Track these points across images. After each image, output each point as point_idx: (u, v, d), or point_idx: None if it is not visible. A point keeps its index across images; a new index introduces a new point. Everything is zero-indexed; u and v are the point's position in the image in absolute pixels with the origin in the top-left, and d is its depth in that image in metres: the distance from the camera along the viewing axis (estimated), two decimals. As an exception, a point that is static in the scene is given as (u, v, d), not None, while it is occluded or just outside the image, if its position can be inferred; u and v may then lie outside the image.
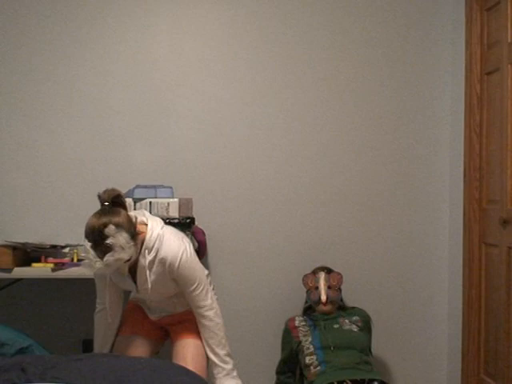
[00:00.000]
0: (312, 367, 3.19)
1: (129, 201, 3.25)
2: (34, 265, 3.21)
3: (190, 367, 2.64)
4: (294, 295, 3.71)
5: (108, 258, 2.51)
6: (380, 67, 3.74)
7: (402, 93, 3.75)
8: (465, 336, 3.51)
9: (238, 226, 3.70)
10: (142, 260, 2.67)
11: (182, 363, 2.70)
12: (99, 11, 3.65)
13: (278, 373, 3.51)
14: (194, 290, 2.72)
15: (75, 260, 3.25)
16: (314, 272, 3.49)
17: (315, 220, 3.72)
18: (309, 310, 3.50)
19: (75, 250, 3.29)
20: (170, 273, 2.69)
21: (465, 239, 3.52)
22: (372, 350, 3.47)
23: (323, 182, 3.72)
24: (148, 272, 2.68)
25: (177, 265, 2.67)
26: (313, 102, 3.73)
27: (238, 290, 3.70)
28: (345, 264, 3.71)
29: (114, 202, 2.62)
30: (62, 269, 3.18)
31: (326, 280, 3.42)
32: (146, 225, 2.71)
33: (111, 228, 2.51)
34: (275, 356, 3.69)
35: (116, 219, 2.55)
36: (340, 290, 3.45)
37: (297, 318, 3.45)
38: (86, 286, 3.50)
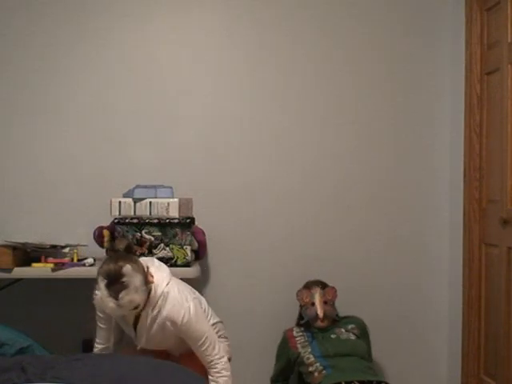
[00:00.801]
0: (316, 373, 3.18)
1: (129, 201, 3.25)
2: (34, 265, 3.21)
3: None
4: (294, 295, 3.70)
5: (123, 295, 2.53)
6: (380, 67, 3.74)
7: (401, 93, 3.74)
8: (465, 336, 3.51)
9: (238, 226, 3.70)
10: (144, 313, 2.69)
11: None
12: (101, 11, 3.65)
13: (273, 382, 3.51)
14: (200, 346, 2.72)
15: (75, 260, 3.25)
16: (308, 287, 3.46)
17: (315, 220, 3.72)
18: (304, 325, 3.46)
19: (75, 250, 3.29)
20: (174, 330, 2.71)
21: (465, 239, 3.52)
22: (372, 353, 3.47)
23: (323, 183, 3.72)
24: (147, 327, 2.70)
25: (179, 325, 2.68)
26: (313, 104, 3.72)
27: (237, 290, 3.70)
28: (345, 263, 3.71)
29: (126, 250, 2.70)
30: (61, 269, 3.18)
31: (322, 295, 3.40)
32: (153, 276, 2.72)
33: (128, 268, 2.57)
34: (274, 356, 3.69)
35: (132, 262, 2.62)
36: (334, 304, 3.45)
37: (294, 328, 3.46)
38: (85, 286, 3.49)
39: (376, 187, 3.73)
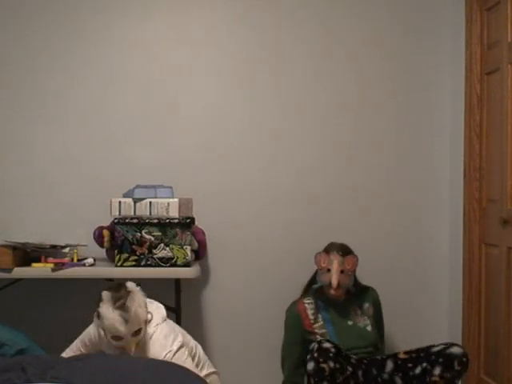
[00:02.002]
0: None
1: (129, 201, 3.25)
2: (34, 265, 3.21)
3: None
4: (294, 295, 3.70)
5: (130, 304, 2.56)
6: (379, 67, 3.73)
7: (401, 93, 3.74)
8: (465, 336, 3.51)
9: (238, 226, 3.69)
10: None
11: None
12: (100, 10, 3.65)
13: (288, 356, 3.27)
14: None
15: (75, 260, 3.25)
16: (328, 251, 3.22)
17: (316, 220, 3.72)
18: (316, 293, 3.30)
19: (75, 250, 3.29)
20: None
21: (465, 239, 3.52)
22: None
23: (323, 183, 3.72)
24: None
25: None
26: (313, 104, 3.72)
27: (237, 290, 3.70)
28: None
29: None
30: (61, 269, 3.18)
31: (340, 263, 3.17)
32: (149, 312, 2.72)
33: (131, 283, 2.64)
34: (275, 357, 3.69)
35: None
36: (354, 274, 3.25)
37: (306, 302, 3.25)
38: (85, 286, 3.50)
39: (376, 187, 3.73)
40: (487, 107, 3.39)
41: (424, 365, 2.98)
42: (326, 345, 2.92)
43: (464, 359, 2.93)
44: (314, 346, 2.93)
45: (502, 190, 3.17)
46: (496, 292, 3.23)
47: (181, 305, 3.37)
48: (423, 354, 3.01)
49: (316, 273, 3.33)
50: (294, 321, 3.24)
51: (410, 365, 3.03)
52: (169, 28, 3.68)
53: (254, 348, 3.70)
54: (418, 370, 2.99)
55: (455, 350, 2.95)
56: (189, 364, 2.65)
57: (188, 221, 3.24)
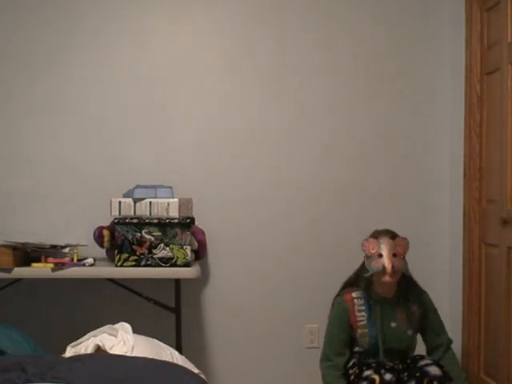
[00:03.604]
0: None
1: (129, 201, 3.25)
2: (34, 265, 3.21)
3: None
4: (294, 295, 3.71)
5: None
6: (379, 67, 3.73)
7: (401, 93, 3.74)
8: (465, 336, 3.51)
9: (238, 225, 3.69)
10: None
11: None
12: (98, 8, 3.65)
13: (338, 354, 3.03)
14: None
15: (75, 260, 3.25)
16: (376, 236, 3.01)
17: (316, 219, 3.72)
18: (364, 288, 3.05)
19: (75, 250, 3.29)
20: None
21: (465, 239, 3.52)
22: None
23: (323, 183, 3.72)
24: None
25: None
26: (313, 104, 3.72)
27: (237, 290, 3.70)
28: (348, 261, 3.70)
29: None
30: (61, 269, 3.18)
31: (391, 246, 2.95)
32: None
33: None
34: (275, 358, 3.69)
35: None
36: (404, 258, 3.02)
37: (354, 296, 3.05)
38: (85, 286, 3.50)
39: (376, 187, 3.73)
40: (487, 107, 3.39)
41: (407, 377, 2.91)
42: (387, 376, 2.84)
43: (435, 383, 2.81)
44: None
45: (502, 190, 3.17)
46: (496, 292, 3.23)
47: (181, 305, 3.37)
48: (412, 365, 2.93)
49: (362, 265, 3.07)
50: (343, 312, 3.04)
51: (404, 373, 2.96)
52: (169, 28, 3.68)
53: (254, 348, 3.70)
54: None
55: (431, 369, 2.84)
56: None
57: (188, 221, 3.24)
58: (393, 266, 2.92)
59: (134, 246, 3.20)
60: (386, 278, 2.94)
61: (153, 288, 3.39)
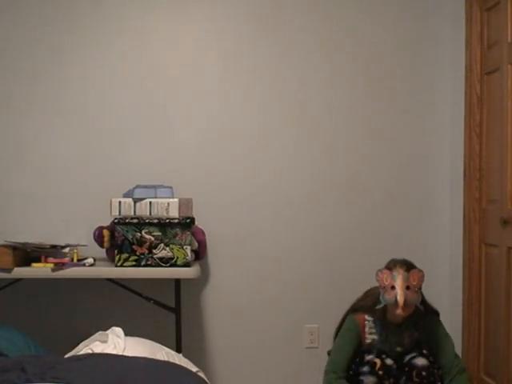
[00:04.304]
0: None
1: (129, 201, 3.25)
2: (34, 265, 3.21)
3: None
4: (294, 295, 3.71)
5: None
6: (379, 67, 3.73)
7: (401, 93, 3.74)
8: (465, 336, 3.51)
9: (238, 226, 3.69)
10: None
11: None
12: (98, 8, 3.65)
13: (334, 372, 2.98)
14: None
15: (75, 260, 3.25)
16: (391, 267, 2.95)
17: (316, 219, 3.72)
18: (377, 313, 2.99)
19: (75, 250, 3.28)
20: None
21: (465, 239, 3.52)
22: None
23: (324, 183, 3.72)
24: None
25: None
26: (313, 104, 3.72)
27: (237, 290, 3.70)
28: (347, 262, 3.71)
29: None
30: (62, 269, 3.18)
31: (405, 279, 2.88)
32: None
33: None
34: (275, 358, 3.69)
35: None
36: (420, 290, 2.94)
37: (366, 318, 3.01)
38: (85, 286, 3.50)
39: (376, 188, 3.73)
40: (487, 107, 3.39)
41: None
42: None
43: (423, 372, 2.83)
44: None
45: (502, 190, 3.17)
46: (496, 292, 3.23)
47: (181, 305, 3.37)
48: (401, 362, 2.93)
49: (379, 292, 2.98)
50: (354, 327, 3.00)
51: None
52: (169, 28, 3.68)
53: (254, 348, 3.70)
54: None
55: (418, 360, 2.86)
56: None
57: (188, 221, 3.24)
58: (405, 300, 2.86)
59: (134, 246, 3.20)
60: (399, 311, 2.88)
61: (153, 288, 3.39)
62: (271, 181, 3.71)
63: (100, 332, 2.64)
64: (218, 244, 3.65)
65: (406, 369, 2.88)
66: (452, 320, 3.66)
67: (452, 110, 3.70)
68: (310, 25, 3.71)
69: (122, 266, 3.21)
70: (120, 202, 3.25)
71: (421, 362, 2.88)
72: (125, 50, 3.67)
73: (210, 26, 3.70)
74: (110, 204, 3.26)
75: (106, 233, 3.33)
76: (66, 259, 3.26)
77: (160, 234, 3.21)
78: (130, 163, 3.64)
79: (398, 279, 2.88)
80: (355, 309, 3.06)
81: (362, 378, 2.89)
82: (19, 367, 2.13)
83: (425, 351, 2.92)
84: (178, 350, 3.40)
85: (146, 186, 3.32)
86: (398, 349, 2.98)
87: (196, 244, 3.42)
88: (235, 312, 3.70)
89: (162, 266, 3.20)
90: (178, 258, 3.21)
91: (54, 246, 3.29)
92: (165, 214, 3.22)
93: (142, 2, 3.66)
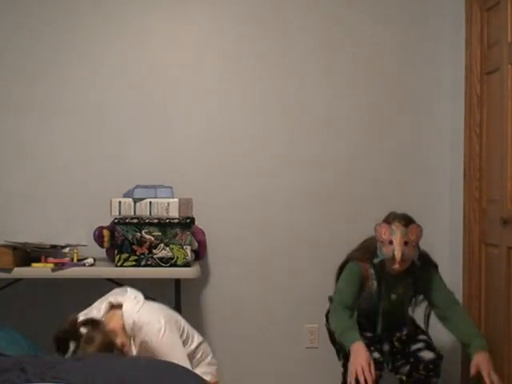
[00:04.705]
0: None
1: (129, 201, 3.25)
2: (34, 265, 3.21)
3: None
4: (294, 295, 3.71)
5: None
6: (379, 67, 3.74)
7: (401, 93, 3.74)
8: (465, 336, 3.51)
9: (238, 226, 3.70)
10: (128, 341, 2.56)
11: None
12: (98, 8, 3.65)
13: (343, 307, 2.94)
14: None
15: (75, 260, 3.25)
16: (389, 221, 2.93)
17: (317, 220, 3.72)
18: (381, 267, 3.00)
19: (75, 250, 3.29)
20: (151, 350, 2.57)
21: (465, 239, 3.52)
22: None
23: (325, 184, 3.72)
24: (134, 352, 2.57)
25: (150, 343, 2.55)
26: (313, 104, 3.72)
27: (237, 290, 3.70)
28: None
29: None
30: (62, 269, 3.18)
31: (403, 234, 2.87)
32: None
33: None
34: (275, 358, 3.69)
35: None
36: (418, 246, 2.95)
37: (369, 267, 3.00)
38: (85, 286, 3.50)
39: (376, 188, 3.73)
40: (487, 107, 3.39)
41: (401, 362, 3.00)
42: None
43: (431, 366, 2.88)
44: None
45: (502, 190, 3.17)
46: (496, 292, 3.23)
47: (181, 305, 3.37)
48: (407, 350, 3.01)
49: (364, 243, 3.07)
50: (358, 271, 2.99)
51: (398, 356, 3.06)
52: (169, 28, 3.68)
53: (254, 348, 3.70)
54: (399, 362, 3.02)
55: (424, 354, 2.92)
56: (175, 337, 2.60)
57: (188, 221, 3.24)
58: (403, 255, 2.86)
59: (134, 246, 3.20)
60: (395, 266, 2.90)
61: (153, 288, 3.39)
62: (271, 181, 3.71)
63: (117, 288, 2.73)
64: (217, 244, 3.65)
65: (412, 359, 2.92)
66: (452, 320, 3.66)
67: (452, 109, 3.70)
68: (309, 25, 3.71)
69: (122, 265, 3.21)
70: (120, 202, 3.25)
71: (427, 355, 2.92)
72: (125, 50, 3.67)
73: (210, 26, 3.70)
74: (110, 204, 3.26)
75: (105, 233, 3.33)
76: (66, 259, 3.26)
77: (160, 234, 3.21)
78: (130, 163, 3.64)
79: (397, 234, 2.86)
80: (354, 258, 3.06)
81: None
82: (19, 367, 2.13)
83: (427, 339, 2.98)
84: (178, 349, 3.40)
85: (146, 186, 3.32)
86: (393, 296, 3.03)
87: (196, 244, 3.42)
88: (235, 312, 3.70)
89: (162, 266, 3.21)
90: (178, 257, 3.21)
91: (53, 246, 3.30)
92: (165, 213, 3.22)
93: (142, 2, 3.66)
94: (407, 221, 2.92)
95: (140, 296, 2.67)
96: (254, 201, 3.70)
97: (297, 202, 3.72)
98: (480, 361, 2.78)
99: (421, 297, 3.12)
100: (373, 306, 3.06)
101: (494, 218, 3.27)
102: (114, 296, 2.66)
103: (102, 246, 3.36)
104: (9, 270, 3.15)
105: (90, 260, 3.26)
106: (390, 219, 2.95)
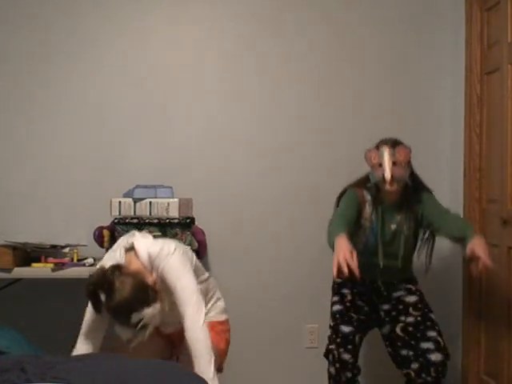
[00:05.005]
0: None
1: (129, 201, 3.25)
2: (34, 265, 3.21)
3: None
4: (294, 295, 3.71)
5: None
6: (379, 67, 3.74)
7: (401, 93, 3.75)
8: (465, 336, 3.51)
9: (238, 225, 3.70)
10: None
11: None
12: (98, 8, 3.65)
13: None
14: (181, 289, 2.53)
15: (75, 260, 3.25)
16: (378, 146, 3.02)
17: (316, 220, 3.72)
18: (376, 192, 3.07)
19: (75, 250, 3.29)
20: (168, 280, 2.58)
21: (465, 239, 3.52)
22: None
23: (326, 183, 3.72)
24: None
25: (165, 268, 2.55)
26: (314, 104, 3.73)
27: (237, 290, 3.70)
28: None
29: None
30: (62, 269, 3.19)
31: (391, 155, 2.95)
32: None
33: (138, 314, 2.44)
34: (275, 358, 3.69)
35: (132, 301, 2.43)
36: (409, 165, 3.02)
37: (365, 193, 3.07)
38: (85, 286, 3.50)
39: (376, 187, 3.73)
40: (487, 107, 3.39)
41: (409, 353, 3.00)
42: (344, 356, 2.99)
43: (440, 368, 2.92)
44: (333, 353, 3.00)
45: (502, 190, 3.17)
46: (496, 292, 3.23)
47: (181, 305, 3.36)
48: (414, 343, 3.00)
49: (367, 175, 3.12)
50: (355, 197, 3.07)
51: (399, 343, 3.06)
52: (168, 28, 3.68)
53: (254, 348, 3.70)
54: (403, 353, 3.03)
55: (436, 356, 2.93)
56: (186, 260, 2.61)
57: (188, 221, 3.24)
58: (392, 176, 2.94)
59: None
60: (387, 187, 2.97)
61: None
62: (272, 180, 3.71)
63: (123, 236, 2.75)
64: (217, 244, 3.65)
65: (421, 359, 2.94)
66: (452, 320, 3.66)
67: (452, 109, 3.70)
68: (309, 25, 3.71)
69: (122, 265, 3.21)
70: (120, 202, 3.26)
71: (438, 358, 2.93)
72: (125, 50, 3.67)
73: (210, 26, 3.70)
74: (110, 204, 3.26)
75: (106, 233, 3.33)
76: (66, 259, 3.26)
77: (160, 233, 3.21)
78: (130, 163, 3.64)
79: (385, 156, 2.95)
80: (351, 186, 3.14)
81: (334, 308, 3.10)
82: (19, 367, 2.13)
83: (436, 336, 2.99)
84: (178, 349, 3.40)
85: (146, 186, 3.32)
86: (393, 226, 3.06)
87: (196, 244, 3.42)
88: (235, 312, 3.69)
89: (162, 266, 3.20)
90: (178, 257, 3.20)
91: (54, 246, 3.30)
92: (165, 214, 3.22)
93: (142, 2, 3.66)
94: (394, 143, 3.01)
95: (148, 234, 2.71)
96: (254, 200, 3.70)
97: (297, 201, 3.71)
98: (476, 243, 2.75)
99: (423, 232, 3.13)
100: (372, 243, 3.05)
101: (494, 218, 3.27)
102: (124, 241, 2.67)
103: (101, 246, 3.36)
104: (9, 270, 3.15)
105: (90, 260, 3.27)
106: (379, 144, 3.04)
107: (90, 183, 3.63)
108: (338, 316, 3.09)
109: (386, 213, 3.06)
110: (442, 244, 3.73)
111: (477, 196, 3.45)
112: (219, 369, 2.69)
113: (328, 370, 3.05)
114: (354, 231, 3.01)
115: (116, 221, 3.24)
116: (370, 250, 3.06)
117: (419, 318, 3.04)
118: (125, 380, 2.08)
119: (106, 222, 3.38)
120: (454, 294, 3.65)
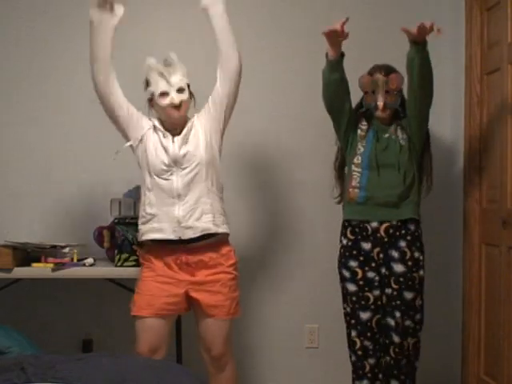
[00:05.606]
0: (352, 189, 3.10)
1: (129, 201, 3.25)
2: (34, 265, 3.21)
3: (211, 351, 2.90)
4: (294, 295, 3.71)
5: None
6: (380, 67, 3.73)
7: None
8: (465, 336, 3.51)
9: (238, 225, 3.68)
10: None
11: (202, 344, 2.94)
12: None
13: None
14: None
15: (75, 260, 3.25)
16: (371, 72, 3.12)
17: (316, 219, 3.72)
18: (365, 115, 3.20)
19: (75, 250, 3.29)
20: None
21: (465, 239, 3.52)
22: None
23: (326, 182, 3.72)
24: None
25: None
26: (314, 104, 3.72)
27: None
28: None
29: None
30: (62, 269, 3.18)
31: (384, 83, 3.05)
32: None
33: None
34: (275, 358, 3.69)
35: None
36: (400, 93, 3.12)
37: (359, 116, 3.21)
38: (85, 286, 3.50)
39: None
40: (487, 107, 3.39)
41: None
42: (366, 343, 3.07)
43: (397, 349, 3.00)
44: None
45: (502, 190, 3.17)
46: (496, 292, 3.23)
47: (181, 305, 3.36)
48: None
49: (362, 99, 3.22)
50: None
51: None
52: (169, 26, 3.69)
53: (254, 348, 3.70)
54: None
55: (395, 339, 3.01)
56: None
57: (188, 221, 3.23)
58: (384, 103, 3.04)
59: (134, 246, 3.20)
60: (378, 113, 3.09)
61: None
62: (272, 180, 3.71)
63: None
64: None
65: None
66: (452, 320, 3.66)
67: (452, 110, 3.70)
68: (310, 25, 3.70)
69: (121, 265, 3.21)
70: (120, 202, 3.25)
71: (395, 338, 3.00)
72: (125, 50, 3.66)
73: (210, 26, 3.69)
74: (110, 204, 3.26)
75: (106, 233, 3.33)
76: (66, 259, 3.26)
77: (160, 233, 3.20)
78: (130, 163, 3.63)
79: (378, 84, 3.06)
80: None
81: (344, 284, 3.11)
82: (19, 367, 2.13)
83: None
84: (178, 349, 3.41)
85: (146, 186, 3.31)
86: (386, 135, 3.09)
87: (196, 244, 3.41)
88: (235, 312, 3.69)
89: (162, 266, 3.20)
90: (178, 257, 3.20)
91: (53, 246, 3.29)
92: (165, 213, 3.21)
93: (143, 1, 3.66)
94: (388, 70, 3.09)
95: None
96: (254, 200, 3.70)
97: (297, 200, 3.71)
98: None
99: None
100: (367, 156, 3.09)
101: (494, 217, 3.27)
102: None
103: (101, 246, 3.36)
104: (9, 270, 3.15)
105: (90, 260, 3.26)
106: (372, 70, 3.13)
107: (90, 183, 3.63)
108: (354, 299, 3.08)
109: (378, 127, 3.13)
110: (442, 243, 3.74)
111: (477, 196, 3.45)
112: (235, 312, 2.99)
113: (350, 358, 3.10)
114: (351, 144, 3.16)
115: (116, 221, 3.24)
116: (367, 160, 3.09)
117: (395, 293, 3.02)
118: (124, 380, 2.08)
119: (106, 222, 3.38)
120: (454, 294, 3.65)
